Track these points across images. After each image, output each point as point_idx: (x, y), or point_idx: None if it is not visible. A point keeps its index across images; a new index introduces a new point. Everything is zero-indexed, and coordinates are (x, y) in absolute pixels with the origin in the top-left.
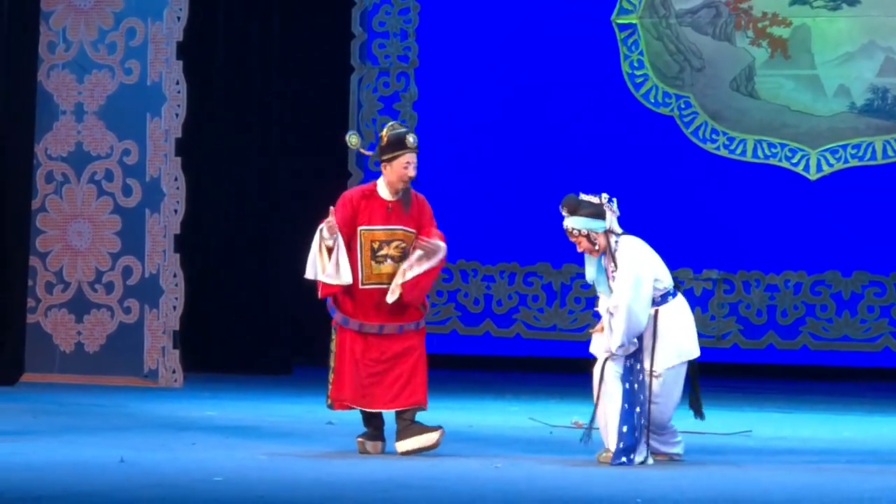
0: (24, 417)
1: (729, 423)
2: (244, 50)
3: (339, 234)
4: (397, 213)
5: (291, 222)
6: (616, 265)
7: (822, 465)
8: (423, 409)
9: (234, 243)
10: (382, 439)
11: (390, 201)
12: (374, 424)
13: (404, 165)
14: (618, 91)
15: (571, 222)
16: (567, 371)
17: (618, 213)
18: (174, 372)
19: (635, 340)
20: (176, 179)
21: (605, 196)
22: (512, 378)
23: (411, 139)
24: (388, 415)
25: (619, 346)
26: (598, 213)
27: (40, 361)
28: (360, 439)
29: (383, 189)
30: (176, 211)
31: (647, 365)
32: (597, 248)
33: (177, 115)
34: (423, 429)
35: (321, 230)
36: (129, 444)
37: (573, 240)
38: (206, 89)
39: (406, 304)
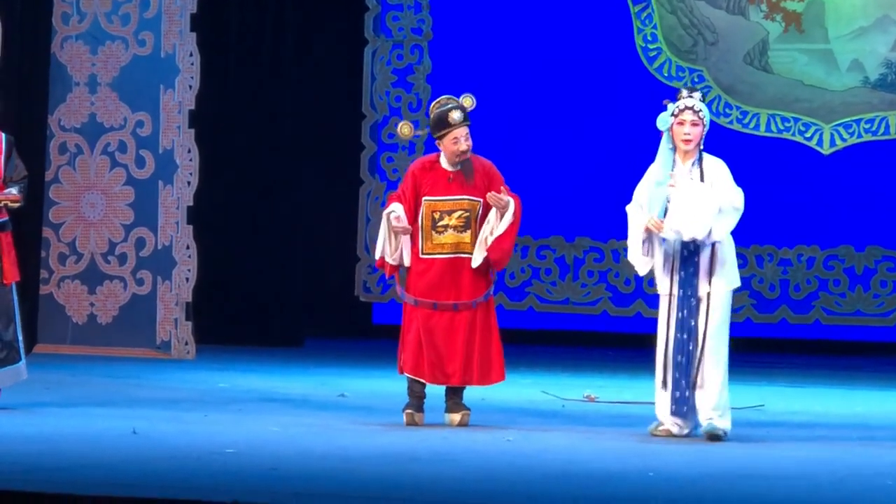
0: (37, 389)
1: (741, 397)
2: (258, 22)
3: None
4: (460, 183)
5: (304, 194)
6: (703, 174)
7: (834, 439)
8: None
9: (246, 215)
10: (423, 410)
11: (452, 172)
12: (419, 395)
13: (453, 142)
14: (631, 64)
15: (703, 106)
16: (579, 344)
17: None
18: (187, 344)
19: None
20: (189, 151)
21: None
22: (524, 351)
23: (455, 115)
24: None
25: (720, 240)
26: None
27: (53, 333)
28: (408, 412)
29: (444, 160)
30: (189, 183)
31: (702, 291)
32: (698, 146)
33: (190, 86)
34: (463, 407)
35: (388, 218)
36: (141, 415)
37: (692, 120)
38: (220, 61)
39: (493, 264)
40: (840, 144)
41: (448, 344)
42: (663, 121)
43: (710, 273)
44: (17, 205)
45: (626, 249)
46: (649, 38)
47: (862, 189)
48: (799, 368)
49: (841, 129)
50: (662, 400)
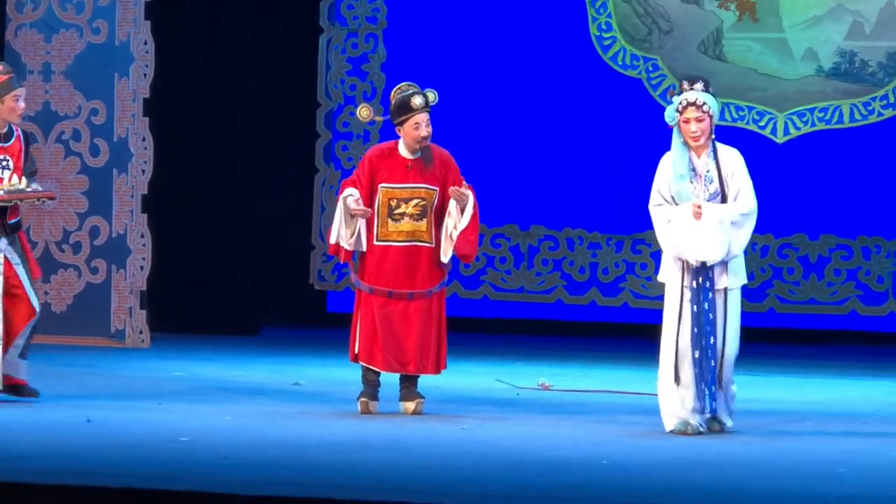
0: None
1: None
2: (213, 10)
3: (349, 207)
4: (418, 171)
5: (259, 182)
6: (719, 167)
7: (788, 427)
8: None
9: (201, 203)
10: (378, 398)
11: (410, 159)
12: (373, 383)
13: (414, 127)
14: (586, 53)
15: (708, 98)
16: (534, 333)
17: None
18: (141, 332)
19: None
20: (144, 140)
21: None
22: (479, 340)
23: (417, 101)
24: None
25: (744, 249)
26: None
27: None
28: (362, 400)
29: (403, 148)
30: (143, 171)
31: (720, 285)
32: (709, 139)
33: (145, 75)
34: (418, 395)
35: (346, 202)
36: (95, 404)
37: (698, 116)
38: (175, 49)
39: (462, 258)
40: (794, 133)
41: (404, 332)
42: (670, 115)
43: (727, 266)
44: (53, 201)
45: (581, 238)
46: (604, 26)
47: (816, 178)
48: (753, 357)
49: (795, 118)
50: (675, 397)
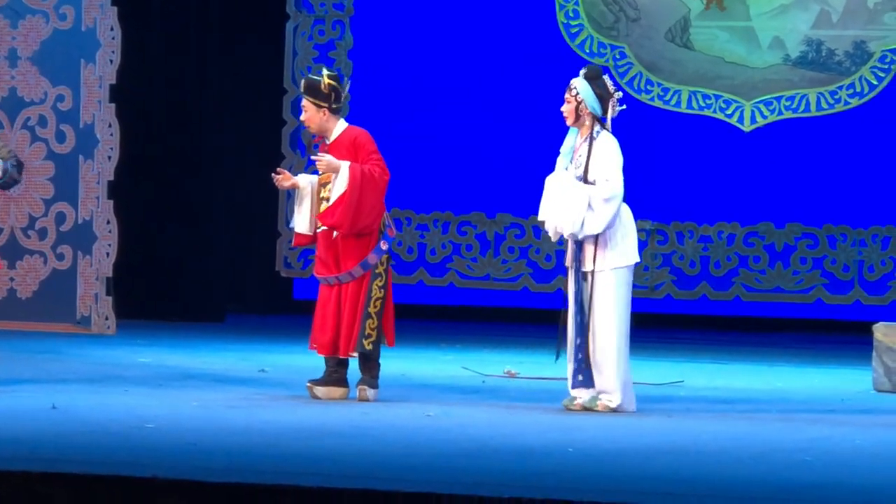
0: None
1: (661, 373)
2: None
3: (298, 189)
4: (334, 155)
5: (226, 169)
6: (591, 152)
7: (754, 415)
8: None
9: (167, 190)
10: (333, 384)
11: (327, 144)
12: (327, 369)
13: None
14: (553, 41)
15: (579, 83)
16: (500, 320)
17: (615, 115)
18: (107, 319)
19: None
20: (110, 126)
21: (619, 94)
22: (445, 327)
23: (301, 83)
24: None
25: (598, 232)
26: (602, 98)
27: None
28: (308, 384)
29: None
30: (110, 157)
31: (587, 267)
32: (578, 120)
33: (111, 61)
34: (370, 382)
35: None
36: (60, 390)
37: (566, 97)
38: (142, 36)
39: (330, 227)
40: (761, 122)
41: (323, 316)
42: None
43: (595, 250)
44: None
45: None
46: (571, 14)
47: (782, 166)
48: (719, 345)
49: (762, 107)
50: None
